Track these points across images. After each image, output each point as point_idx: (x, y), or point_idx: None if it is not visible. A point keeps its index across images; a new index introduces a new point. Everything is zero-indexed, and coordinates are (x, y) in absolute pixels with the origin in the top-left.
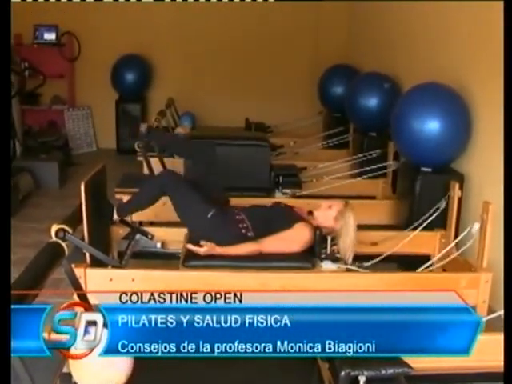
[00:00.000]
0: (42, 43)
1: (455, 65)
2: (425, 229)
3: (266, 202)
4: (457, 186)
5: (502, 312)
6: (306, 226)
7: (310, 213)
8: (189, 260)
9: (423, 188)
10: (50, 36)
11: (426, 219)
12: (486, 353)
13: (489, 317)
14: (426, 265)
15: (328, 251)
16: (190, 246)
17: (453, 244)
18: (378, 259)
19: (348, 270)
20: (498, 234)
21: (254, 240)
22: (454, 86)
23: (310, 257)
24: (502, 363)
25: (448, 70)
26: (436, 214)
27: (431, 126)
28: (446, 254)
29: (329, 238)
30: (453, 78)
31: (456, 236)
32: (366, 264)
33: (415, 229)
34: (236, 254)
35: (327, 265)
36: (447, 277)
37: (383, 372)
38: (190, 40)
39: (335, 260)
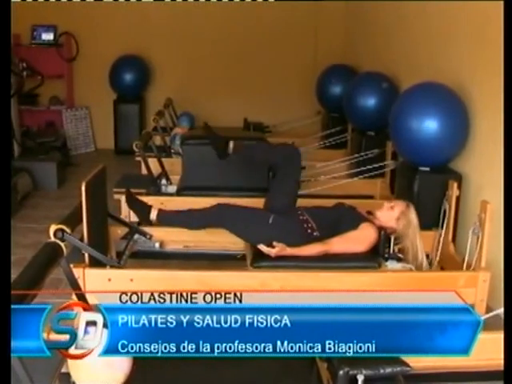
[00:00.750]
0: (40, 43)
1: (454, 64)
2: (423, 228)
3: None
4: (455, 185)
5: (500, 311)
6: (371, 226)
7: (370, 213)
8: (258, 261)
9: (421, 187)
10: (48, 36)
11: (421, 216)
12: (485, 351)
13: (487, 315)
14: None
15: (391, 251)
16: (263, 247)
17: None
18: (436, 259)
19: (411, 270)
20: (496, 233)
21: (320, 239)
22: (452, 85)
23: (375, 257)
24: (502, 362)
25: (446, 70)
26: (445, 217)
27: (429, 125)
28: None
29: (392, 238)
30: (451, 78)
31: (454, 235)
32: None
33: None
34: (305, 254)
35: (392, 264)
36: (445, 276)
37: (381, 371)
38: (189, 40)
39: (399, 259)
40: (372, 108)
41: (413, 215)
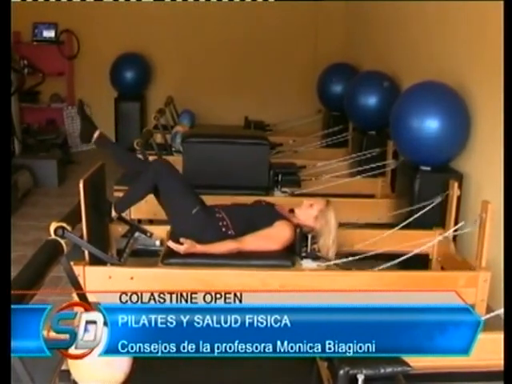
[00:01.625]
0: (41, 41)
1: (454, 63)
2: (423, 227)
3: (249, 200)
4: (456, 184)
5: (500, 311)
6: (286, 224)
7: (292, 211)
8: (168, 257)
9: (422, 187)
10: (49, 34)
11: (421, 214)
12: (486, 351)
13: (488, 316)
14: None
15: (308, 249)
16: (171, 244)
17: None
18: (358, 257)
19: (328, 268)
20: (497, 232)
21: (235, 238)
22: (453, 84)
23: (289, 255)
24: (502, 362)
25: (447, 69)
26: (429, 207)
27: (430, 124)
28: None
29: (309, 237)
30: (452, 77)
31: (455, 235)
32: (345, 260)
33: (408, 225)
34: (216, 251)
35: (307, 263)
36: (446, 275)
37: (382, 370)
38: (190, 38)
39: (315, 258)
40: (373, 107)
41: (331, 214)
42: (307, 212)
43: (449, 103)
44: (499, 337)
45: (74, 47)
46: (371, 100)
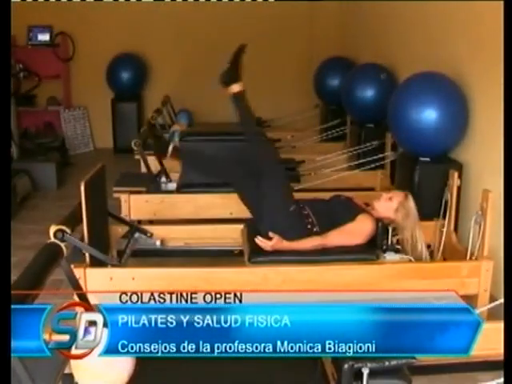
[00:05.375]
0: (36, 44)
1: (452, 54)
2: (424, 219)
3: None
4: (456, 174)
5: (501, 300)
6: (368, 217)
7: (368, 204)
8: (255, 256)
9: (422, 178)
10: (44, 37)
11: (422, 206)
12: (488, 341)
13: (490, 305)
14: None
15: (389, 242)
16: (259, 240)
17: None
18: (440, 250)
19: (410, 261)
20: (498, 221)
21: (319, 234)
22: (451, 75)
23: (373, 249)
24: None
25: (445, 59)
26: (447, 207)
27: (429, 115)
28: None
29: (390, 229)
30: (450, 67)
31: (456, 225)
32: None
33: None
34: (302, 248)
35: (390, 256)
36: (448, 266)
37: (386, 363)
38: (185, 37)
39: (397, 251)
40: (370, 99)
41: (411, 205)
42: (387, 205)
43: (447, 93)
44: (500, 326)
45: (70, 49)
46: (368, 92)
